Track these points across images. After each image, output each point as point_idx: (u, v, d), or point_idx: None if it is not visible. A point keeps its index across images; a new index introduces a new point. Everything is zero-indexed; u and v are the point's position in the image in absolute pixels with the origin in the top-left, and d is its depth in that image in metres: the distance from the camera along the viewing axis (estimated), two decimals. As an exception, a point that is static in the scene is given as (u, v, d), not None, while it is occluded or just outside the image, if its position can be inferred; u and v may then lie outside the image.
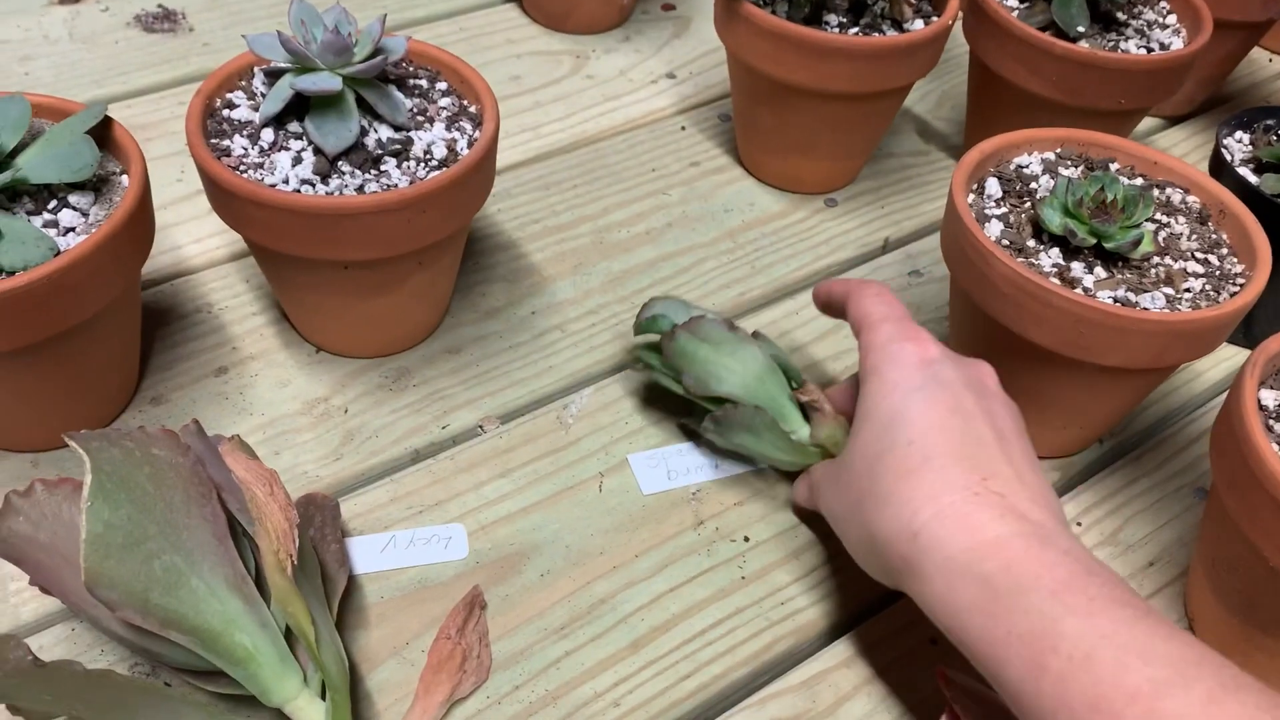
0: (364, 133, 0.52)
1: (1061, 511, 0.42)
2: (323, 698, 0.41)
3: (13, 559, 0.41)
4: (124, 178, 0.50)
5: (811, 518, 0.53)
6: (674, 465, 0.55)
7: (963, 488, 0.40)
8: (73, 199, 0.48)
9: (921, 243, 0.71)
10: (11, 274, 0.44)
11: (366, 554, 0.50)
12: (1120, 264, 0.51)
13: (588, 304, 0.64)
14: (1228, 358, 0.65)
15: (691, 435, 0.56)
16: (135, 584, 0.39)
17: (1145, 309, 0.48)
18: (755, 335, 0.54)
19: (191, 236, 0.65)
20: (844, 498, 0.45)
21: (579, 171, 0.73)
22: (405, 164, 0.52)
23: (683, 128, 0.78)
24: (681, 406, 0.56)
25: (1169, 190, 0.56)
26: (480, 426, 0.57)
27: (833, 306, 0.52)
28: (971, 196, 0.55)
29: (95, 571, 0.38)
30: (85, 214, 0.48)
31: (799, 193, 0.73)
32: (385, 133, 0.53)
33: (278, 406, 0.56)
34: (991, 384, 0.46)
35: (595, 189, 0.72)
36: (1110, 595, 0.36)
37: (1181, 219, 0.54)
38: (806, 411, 0.52)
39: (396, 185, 0.51)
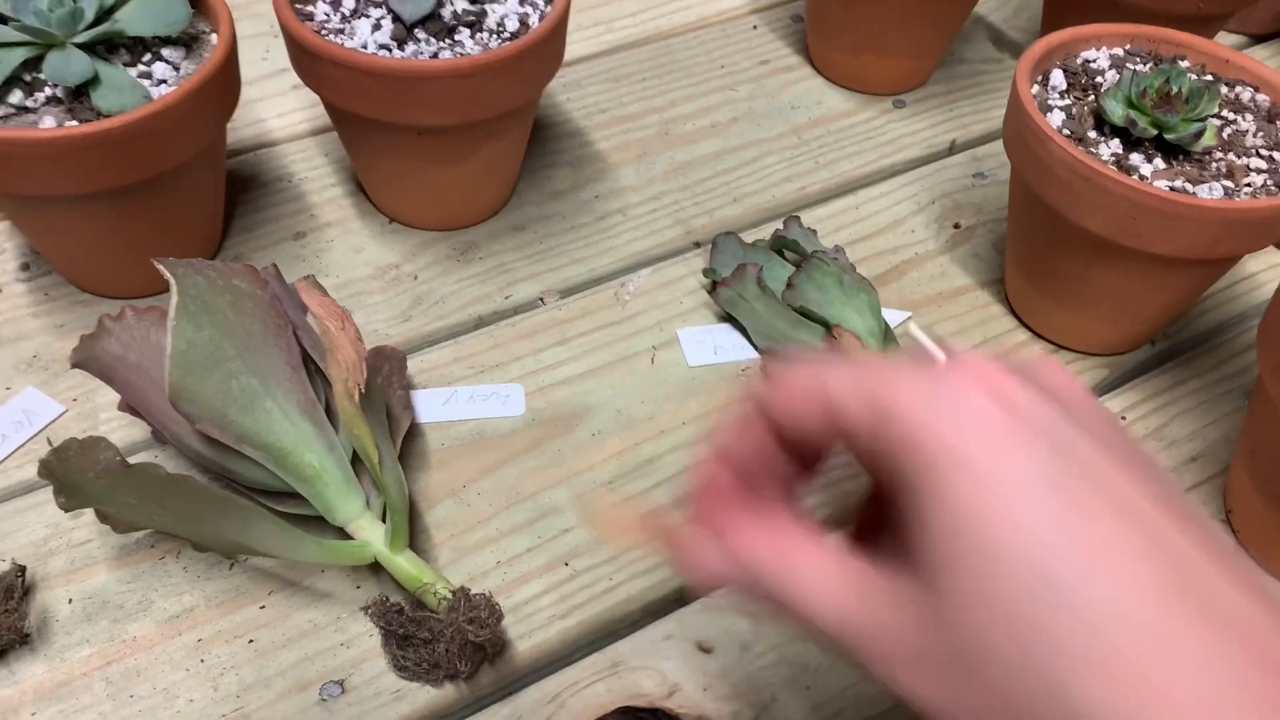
0: (440, 3, 0.54)
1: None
2: (384, 521, 0.44)
3: (104, 377, 0.45)
4: (213, 36, 0.53)
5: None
6: (721, 342, 0.57)
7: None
8: (165, 53, 0.51)
9: (989, 146, 0.71)
10: (109, 117, 0.47)
11: (430, 405, 0.53)
12: (1181, 156, 0.51)
13: (650, 190, 0.65)
14: (1292, 270, 0.64)
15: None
16: (215, 400, 0.42)
17: (1201, 197, 0.48)
18: (809, 258, 0.55)
19: (275, 111, 0.68)
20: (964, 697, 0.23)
21: (648, 66, 0.74)
22: (479, 35, 0.54)
23: (754, 26, 0.78)
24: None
25: (1239, 88, 0.55)
26: (541, 299, 0.59)
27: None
28: (1036, 88, 0.55)
29: (178, 386, 0.41)
30: (176, 68, 0.51)
31: (868, 93, 0.73)
32: (461, 4, 0.54)
33: (351, 270, 0.59)
34: (1100, 413, 0.27)
35: (664, 83, 0.73)
36: None
37: (1249, 116, 0.54)
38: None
39: (470, 54, 0.52)
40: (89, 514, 0.47)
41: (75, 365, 0.44)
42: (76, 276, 0.56)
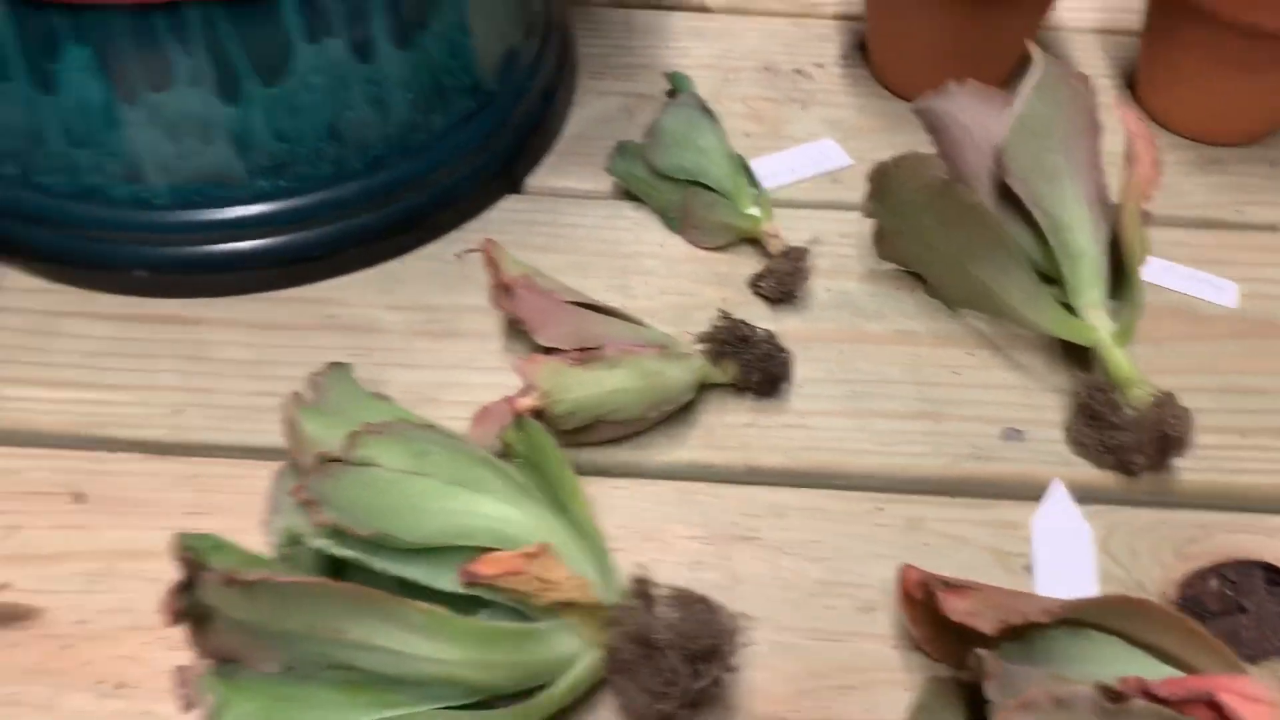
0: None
1: None
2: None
3: (931, 128, 0.54)
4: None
5: None
6: None
7: None
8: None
9: None
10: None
11: (1151, 270, 0.57)
12: None
13: None
14: None
15: None
16: (1029, 164, 0.50)
17: None
18: None
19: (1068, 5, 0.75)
20: None
21: None
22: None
23: None
24: None
25: None
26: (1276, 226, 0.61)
27: None
28: None
29: (1010, 144, 0.50)
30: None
31: None
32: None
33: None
34: None
35: None
36: None
37: None
38: None
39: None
40: (856, 234, 0.58)
41: (916, 111, 0.54)
42: (884, 73, 0.67)
